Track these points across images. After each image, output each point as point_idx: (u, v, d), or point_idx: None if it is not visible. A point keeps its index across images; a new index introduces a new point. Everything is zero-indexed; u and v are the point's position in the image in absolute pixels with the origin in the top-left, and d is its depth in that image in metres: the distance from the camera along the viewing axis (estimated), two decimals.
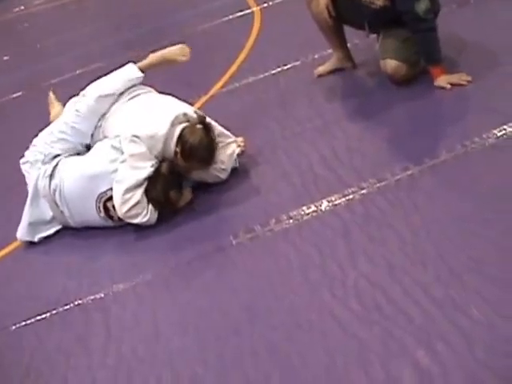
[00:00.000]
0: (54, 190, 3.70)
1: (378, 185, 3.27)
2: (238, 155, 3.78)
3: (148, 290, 3.18)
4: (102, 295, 3.23)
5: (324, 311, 2.67)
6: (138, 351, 2.85)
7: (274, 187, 3.56)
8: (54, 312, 3.22)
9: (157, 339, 2.88)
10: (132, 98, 3.85)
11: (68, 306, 3.23)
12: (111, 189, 3.54)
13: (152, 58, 4.04)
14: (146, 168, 3.51)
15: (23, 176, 3.91)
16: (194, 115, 3.62)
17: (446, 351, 2.32)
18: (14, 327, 3.22)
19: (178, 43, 4.07)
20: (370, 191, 3.25)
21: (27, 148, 3.91)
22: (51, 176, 3.73)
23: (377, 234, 2.98)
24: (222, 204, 3.59)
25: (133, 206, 3.49)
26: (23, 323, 3.22)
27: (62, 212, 3.73)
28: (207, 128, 3.55)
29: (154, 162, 3.54)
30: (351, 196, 3.26)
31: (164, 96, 3.91)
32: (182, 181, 3.67)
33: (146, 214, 3.52)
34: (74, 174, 3.67)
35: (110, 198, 3.56)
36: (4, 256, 3.78)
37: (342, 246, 2.97)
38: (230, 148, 3.75)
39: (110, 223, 3.65)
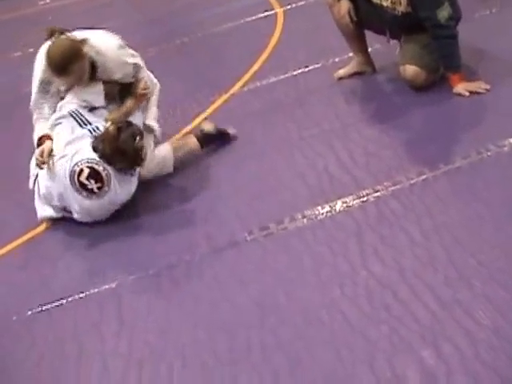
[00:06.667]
0: None
1: (392, 188, 3.32)
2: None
3: (162, 282, 3.24)
4: (117, 285, 3.28)
5: (333, 309, 2.72)
6: (150, 341, 2.90)
7: (289, 186, 3.61)
8: (70, 299, 3.27)
9: (168, 329, 2.93)
10: None
11: (83, 294, 3.27)
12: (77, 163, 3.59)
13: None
14: None
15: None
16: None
17: (451, 352, 2.37)
18: (29, 312, 3.27)
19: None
20: (384, 194, 3.29)
21: None
22: None
23: (389, 235, 3.03)
24: (238, 201, 3.63)
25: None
26: (38, 309, 3.27)
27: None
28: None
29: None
30: (365, 198, 3.31)
31: None
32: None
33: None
34: None
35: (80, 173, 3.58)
36: (20, 244, 3.83)
37: (354, 246, 3.02)
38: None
39: (94, 200, 3.63)
